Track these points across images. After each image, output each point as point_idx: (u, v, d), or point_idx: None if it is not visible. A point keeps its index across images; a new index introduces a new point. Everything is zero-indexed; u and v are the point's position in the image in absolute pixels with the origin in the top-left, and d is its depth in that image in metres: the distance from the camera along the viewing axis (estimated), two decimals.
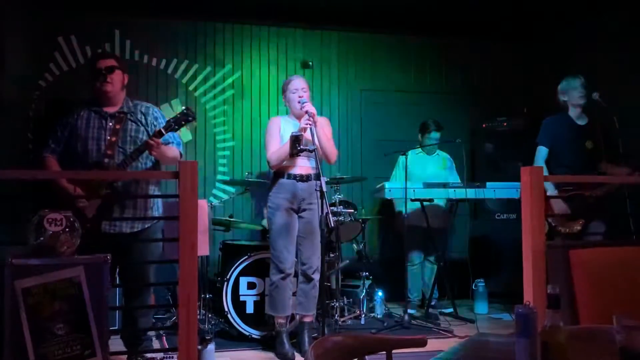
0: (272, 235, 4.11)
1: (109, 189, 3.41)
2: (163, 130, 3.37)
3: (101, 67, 3.51)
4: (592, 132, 4.44)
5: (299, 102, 4.06)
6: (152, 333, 4.41)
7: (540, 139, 4.57)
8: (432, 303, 5.48)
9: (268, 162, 4.13)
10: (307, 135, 3.85)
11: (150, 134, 3.52)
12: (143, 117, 3.60)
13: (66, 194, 3.34)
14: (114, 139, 3.45)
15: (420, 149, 5.50)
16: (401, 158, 5.62)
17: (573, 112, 4.52)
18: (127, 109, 3.58)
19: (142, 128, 3.59)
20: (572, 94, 4.47)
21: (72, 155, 3.48)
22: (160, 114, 3.70)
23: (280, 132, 4.14)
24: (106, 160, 3.41)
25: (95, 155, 3.43)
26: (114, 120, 3.51)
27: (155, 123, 3.61)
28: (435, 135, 5.47)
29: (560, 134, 4.49)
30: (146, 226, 3.55)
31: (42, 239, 2.14)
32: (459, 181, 5.44)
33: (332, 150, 4.12)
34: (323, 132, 4.05)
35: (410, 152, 5.25)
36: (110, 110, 3.54)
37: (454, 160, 5.60)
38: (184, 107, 3.53)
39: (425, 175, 5.33)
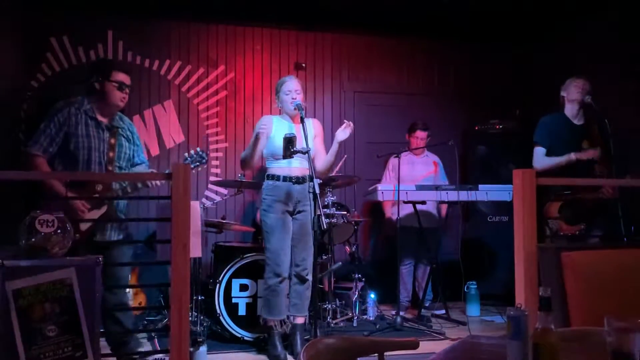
0: (267, 238, 4.07)
1: (109, 206, 3.55)
2: None
3: (123, 82, 3.61)
4: (588, 132, 4.44)
5: (291, 104, 4.06)
6: (142, 335, 4.41)
7: (539, 138, 4.50)
8: (426, 304, 5.49)
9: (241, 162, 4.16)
10: (300, 137, 3.84)
11: (136, 152, 3.79)
12: (131, 135, 3.77)
13: (65, 201, 3.41)
14: (112, 154, 3.56)
15: (408, 150, 5.51)
16: (390, 161, 5.65)
17: (570, 111, 4.48)
18: (117, 123, 3.69)
19: (132, 146, 3.75)
20: (570, 89, 4.45)
21: (70, 161, 3.50)
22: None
23: (272, 131, 4.11)
24: None
25: (98, 168, 3.53)
26: (109, 133, 3.62)
27: (138, 143, 3.84)
28: (420, 135, 5.53)
29: (557, 133, 4.44)
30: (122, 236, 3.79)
31: (33, 240, 2.13)
32: (447, 182, 5.49)
33: (330, 168, 4.22)
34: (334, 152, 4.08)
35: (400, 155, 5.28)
36: (104, 120, 3.63)
37: (446, 162, 5.61)
38: (199, 149, 3.79)
39: (414, 177, 5.35)
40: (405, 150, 5.44)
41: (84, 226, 3.44)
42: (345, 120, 3.94)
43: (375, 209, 6.01)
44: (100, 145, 3.55)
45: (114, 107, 3.62)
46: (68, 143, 3.48)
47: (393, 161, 5.65)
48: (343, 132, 3.92)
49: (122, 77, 3.61)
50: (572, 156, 4.33)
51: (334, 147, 4.02)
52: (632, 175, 4.17)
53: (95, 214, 3.50)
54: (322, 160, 4.14)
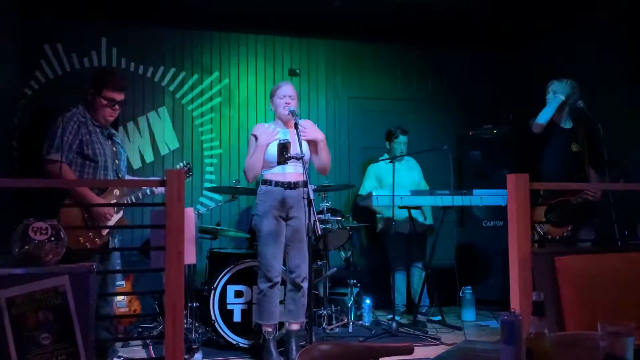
0: (260, 243, 4.08)
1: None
2: None
3: (115, 99, 3.63)
4: (576, 135, 4.46)
5: (285, 109, 4.07)
6: (138, 342, 4.39)
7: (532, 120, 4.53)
8: (423, 310, 5.48)
9: (244, 173, 4.13)
10: (294, 142, 3.84)
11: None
12: (121, 143, 3.86)
13: (96, 211, 3.48)
14: (117, 161, 3.61)
15: (388, 157, 5.53)
16: (371, 167, 5.67)
17: (557, 118, 4.52)
18: (111, 131, 3.77)
19: (125, 153, 3.87)
20: (547, 97, 4.50)
21: (89, 168, 3.53)
22: None
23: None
24: None
25: (112, 175, 3.62)
26: (110, 141, 3.68)
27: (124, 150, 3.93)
28: (402, 139, 5.55)
29: (545, 134, 4.49)
30: None
31: (27, 248, 2.12)
32: (426, 185, 5.60)
33: (328, 164, 4.20)
34: (327, 153, 4.14)
35: (380, 163, 5.30)
36: (103, 128, 3.69)
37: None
38: (185, 162, 4.04)
39: (397, 183, 5.33)
40: (386, 158, 5.46)
41: (105, 232, 3.50)
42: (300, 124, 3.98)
43: (370, 214, 6.01)
44: (111, 152, 3.61)
45: (101, 120, 3.65)
46: (84, 150, 3.50)
47: (372, 168, 5.68)
48: (312, 133, 4.05)
49: (113, 95, 3.62)
50: (560, 97, 4.37)
51: (320, 145, 4.12)
52: (626, 179, 4.19)
53: (114, 219, 3.56)
54: (318, 159, 4.17)
